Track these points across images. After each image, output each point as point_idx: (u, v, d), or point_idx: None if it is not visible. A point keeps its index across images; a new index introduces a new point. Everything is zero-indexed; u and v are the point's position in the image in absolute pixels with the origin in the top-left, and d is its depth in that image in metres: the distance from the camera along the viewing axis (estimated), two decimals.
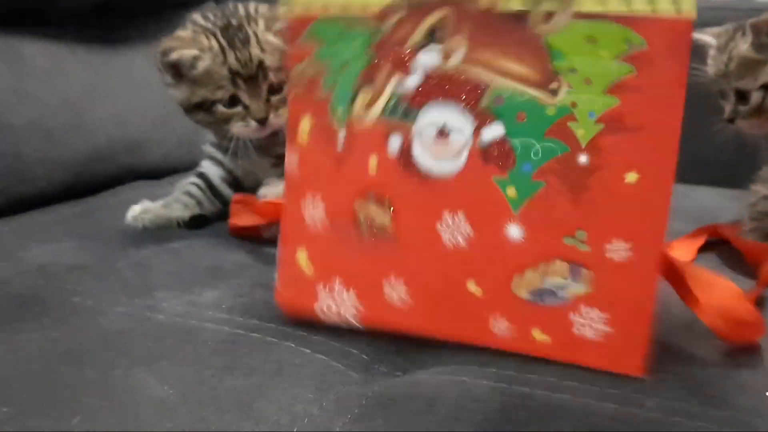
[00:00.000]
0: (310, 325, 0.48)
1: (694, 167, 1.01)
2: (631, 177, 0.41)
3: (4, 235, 0.64)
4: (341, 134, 0.46)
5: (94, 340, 0.45)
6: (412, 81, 0.44)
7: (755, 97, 0.64)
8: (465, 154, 0.43)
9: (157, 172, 0.84)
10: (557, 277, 0.42)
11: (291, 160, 0.48)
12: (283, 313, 0.49)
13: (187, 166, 0.77)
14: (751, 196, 0.65)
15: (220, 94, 0.64)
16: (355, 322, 0.47)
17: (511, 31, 0.42)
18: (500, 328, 0.44)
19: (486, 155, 0.43)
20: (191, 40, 0.64)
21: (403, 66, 0.44)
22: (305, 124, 0.47)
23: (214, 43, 0.64)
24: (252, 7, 0.68)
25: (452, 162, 0.44)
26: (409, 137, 0.44)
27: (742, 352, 0.45)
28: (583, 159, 0.41)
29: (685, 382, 0.42)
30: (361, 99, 0.45)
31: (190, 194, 0.69)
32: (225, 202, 0.70)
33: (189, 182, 0.70)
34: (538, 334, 0.43)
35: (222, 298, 0.52)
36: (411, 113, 0.44)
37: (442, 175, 0.44)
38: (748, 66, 0.64)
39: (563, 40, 0.41)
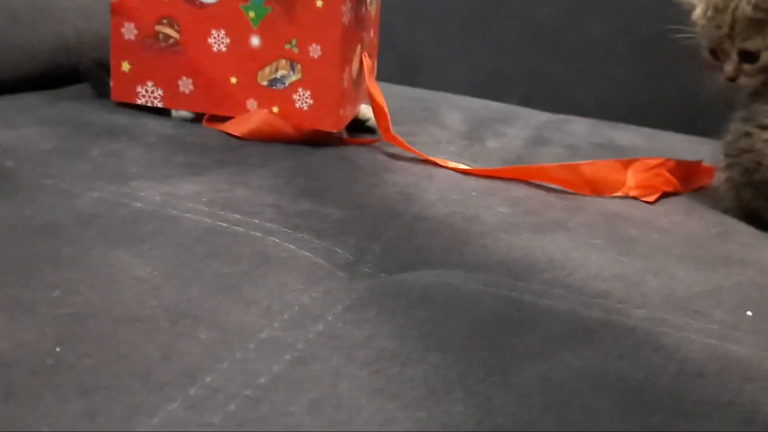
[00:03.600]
0: (294, 224, 0.48)
1: (664, 113, 1.03)
2: (320, 2, 0.64)
3: None
4: None
5: (70, 220, 0.43)
6: None
7: (765, 56, 0.63)
8: None
9: None
10: (282, 71, 0.65)
11: None
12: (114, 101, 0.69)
13: None
14: (728, 135, 0.66)
15: None
16: (159, 104, 0.68)
17: None
18: (251, 105, 0.66)
19: None
20: None
21: None
22: None
23: None
24: None
25: None
26: None
27: None
28: None
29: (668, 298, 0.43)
30: None
31: None
32: None
33: None
34: (275, 109, 0.66)
35: (201, 192, 0.50)
36: None
37: (208, 3, 0.65)
38: (755, 27, 0.63)
39: None
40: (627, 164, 0.67)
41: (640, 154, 0.82)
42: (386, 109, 0.68)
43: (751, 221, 0.61)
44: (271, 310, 0.36)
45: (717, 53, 0.67)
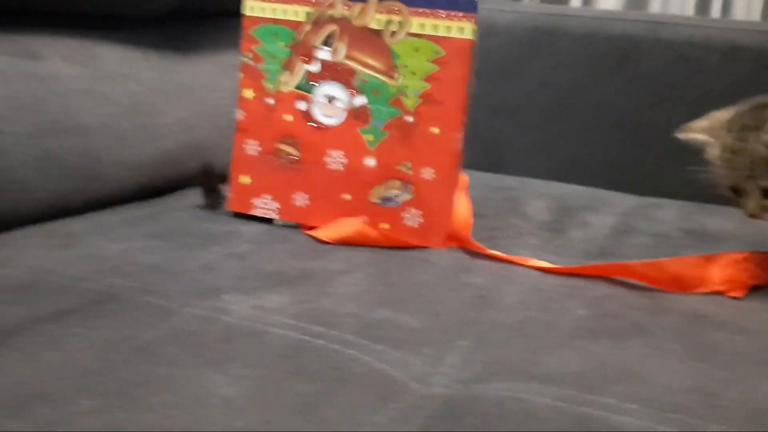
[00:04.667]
0: (372, 335, 0.50)
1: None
2: (435, 130, 0.69)
3: (80, 233, 0.66)
4: (270, 99, 0.72)
5: (166, 339, 0.47)
6: (314, 67, 0.71)
7: None
8: (343, 114, 0.71)
9: (223, 177, 0.86)
10: (394, 190, 0.70)
11: (238, 114, 0.73)
12: (231, 210, 0.74)
13: None
14: None
15: None
16: (275, 216, 0.73)
17: (372, 40, 0.69)
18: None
19: (355, 114, 0.71)
20: None
21: (309, 58, 0.71)
22: (249, 93, 0.73)
23: None
24: None
25: (336, 118, 0.71)
26: (310, 102, 0.72)
27: None
28: (409, 119, 0.70)
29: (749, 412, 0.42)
30: (284, 78, 0.72)
31: None
32: None
33: None
34: (384, 225, 0.70)
35: (288, 303, 0.54)
36: (312, 87, 0.71)
37: (329, 125, 0.71)
38: None
39: (400, 48, 0.69)
40: (711, 259, 0.67)
41: (733, 239, 0.81)
42: (468, 225, 0.72)
43: None
44: (338, 424, 0.38)
45: (738, 191, 0.67)
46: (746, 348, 0.52)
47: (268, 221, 0.73)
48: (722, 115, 0.70)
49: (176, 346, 0.46)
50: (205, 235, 0.68)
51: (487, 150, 1.18)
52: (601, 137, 1.11)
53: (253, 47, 0.72)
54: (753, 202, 0.66)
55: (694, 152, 0.70)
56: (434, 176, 0.69)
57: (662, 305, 0.60)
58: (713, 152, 0.68)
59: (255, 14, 0.72)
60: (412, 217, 0.70)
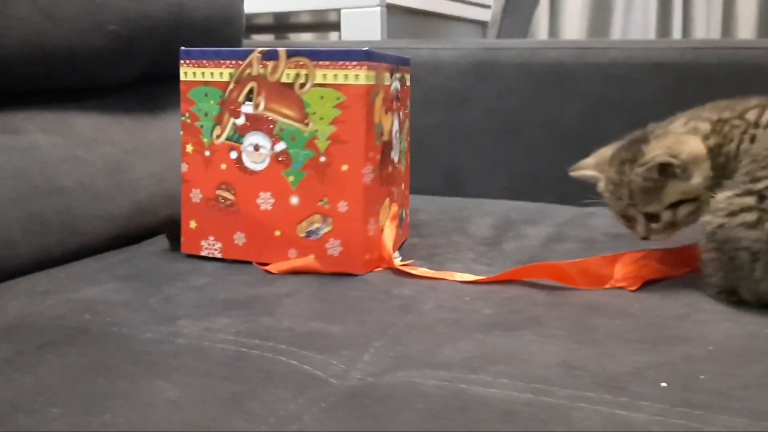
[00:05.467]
0: (301, 343, 0.59)
1: None
2: (345, 167, 0.77)
3: (60, 279, 0.76)
4: (207, 152, 0.82)
5: (125, 359, 0.56)
6: (240, 120, 0.81)
7: (666, 216, 0.73)
8: (268, 159, 0.80)
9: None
10: (316, 224, 0.78)
11: (183, 167, 0.83)
12: (185, 253, 0.84)
13: None
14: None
15: None
16: (219, 255, 0.83)
17: (285, 92, 0.78)
18: (292, 254, 0.80)
19: (278, 159, 0.79)
20: None
21: (236, 112, 0.81)
22: (189, 147, 0.83)
23: None
24: None
25: (262, 164, 0.80)
26: (240, 150, 0.81)
27: None
28: (323, 159, 0.78)
29: (597, 377, 0.51)
30: (215, 131, 0.82)
31: None
32: None
33: None
34: (313, 255, 0.79)
35: (232, 323, 0.63)
36: (240, 138, 0.81)
37: (257, 170, 0.80)
38: (649, 193, 0.73)
39: (309, 97, 0.77)
40: (616, 258, 0.76)
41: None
42: (390, 249, 0.81)
43: (730, 298, 0.68)
44: (261, 416, 0.48)
45: (627, 217, 0.76)
46: (620, 329, 0.61)
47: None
48: (606, 152, 0.79)
49: (133, 364, 0.56)
50: (170, 273, 0.78)
51: (444, 175, 1.28)
52: (546, 154, 1.21)
53: (190, 108, 0.82)
54: (641, 226, 0.75)
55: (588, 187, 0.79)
56: (348, 208, 0.77)
57: (562, 300, 0.69)
58: (600, 185, 0.78)
59: (188, 79, 0.82)
60: (333, 247, 0.78)
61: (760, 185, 0.67)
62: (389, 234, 0.81)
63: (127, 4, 0.94)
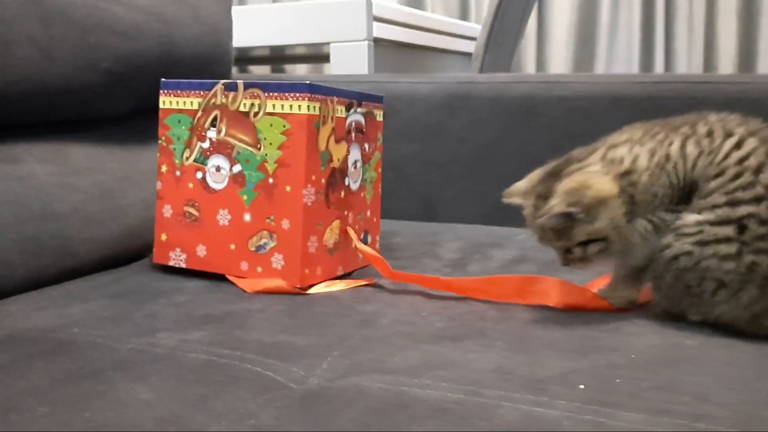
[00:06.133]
0: (266, 353, 0.65)
1: None
2: (288, 188, 0.85)
3: (53, 297, 0.83)
4: (178, 172, 0.91)
5: (107, 366, 0.63)
6: (206, 144, 0.90)
7: (577, 252, 0.73)
8: (227, 179, 0.88)
9: None
10: (264, 239, 0.86)
11: (158, 185, 0.93)
12: (156, 263, 0.94)
13: None
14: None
15: None
16: (183, 265, 0.92)
17: (242, 120, 0.87)
18: (244, 266, 0.88)
19: (235, 179, 0.88)
20: None
21: (202, 137, 0.90)
22: (164, 168, 0.92)
23: None
24: None
25: (222, 183, 0.89)
26: (205, 171, 0.90)
27: None
28: (271, 180, 0.86)
29: (525, 380, 0.58)
30: (185, 153, 0.91)
31: None
32: None
33: None
34: (260, 268, 0.87)
35: (207, 336, 0.70)
36: (205, 160, 0.90)
37: (218, 189, 0.89)
38: (555, 232, 0.73)
39: (261, 124, 0.86)
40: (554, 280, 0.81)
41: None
42: (380, 257, 0.88)
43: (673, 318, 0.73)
44: (222, 413, 0.54)
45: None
46: (555, 340, 0.67)
47: (213, 276, 0.90)
48: (535, 176, 0.79)
49: (114, 370, 0.62)
50: (155, 292, 0.84)
51: (421, 202, 1.35)
52: (516, 182, 1.27)
53: (166, 132, 0.92)
54: (558, 256, 0.76)
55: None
56: (290, 226, 0.84)
57: (510, 316, 0.75)
58: (524, 212, 0.78)
59: (166, 106, 0.92)
60: (277, 261, 0.86)
61: (740, 211, 0.66)
62: (369, 250, 0.91)
63: (120, 43, 1.02)
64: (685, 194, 0.71)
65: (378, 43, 1.92)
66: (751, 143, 0.70)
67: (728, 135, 0.71)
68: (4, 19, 0.88)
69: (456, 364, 0.62)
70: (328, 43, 1.94)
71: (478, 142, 1.30)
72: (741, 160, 0.69)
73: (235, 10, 1.92)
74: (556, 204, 0.71)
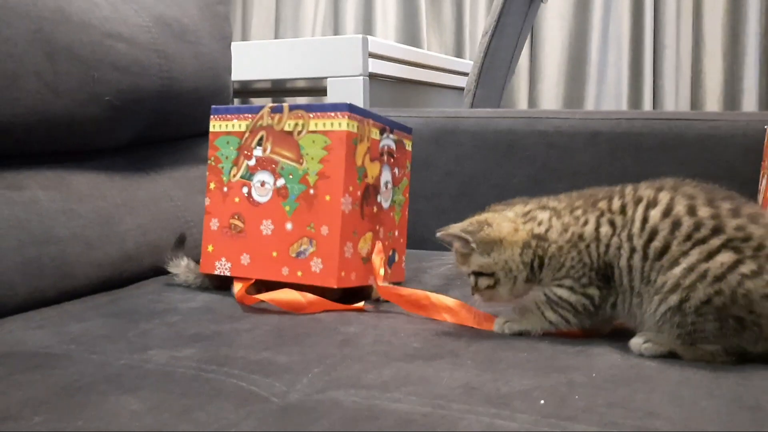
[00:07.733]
0: (252, 369, 0.70)
1: None
2: (328, 197, 0.92)
3: (52, 317, 0.87)
4: (225, 188, 0.99)
5: (100, 380, 0.67)
6: (252, 162, 0.98)
7: (471, 280, 0.82)
8: (271, 193, 0.96)
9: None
10: (304, 245, 0.93)
11: (206, 201, 1.00)
12: (205, 273, 1.00)
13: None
14: None
15: None
16: (228, 273, 0.98)
17: (287, 138, 0.95)
18: (285, 272, 0.94)
19: (278, 192, 0.95)
20: None
21: (248, 156, 0.98)
22: (212, 185, 1.00)
23: None
24: None
25: (266, 196, 0.96)
26: (250, 186, 0.97)
27: None
28: (312, 191, 0.93)
29: (489, 396, 0.62)
30: (233, 171, 0.99)
31: None
32: None
33: None
34: (300, 272, 0.93)
35: (196, 353, 0.74)
36: (251, 176, 0.97)
37: (262, 202, 0.96)
38: (461, 255, 0.82)
39: (304, 141, 0.94)
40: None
41: None
42: (397, 294, 0.93)
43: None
44: (206, 423, 0.58)
45: None
46: (523, 360, 0.71)
47: (208, 298, 0.94)
48: (478, 219, 0.83)
49: (106, 383, 0.66)
50: (149, 312, 0.89)
51: (410, 231, 1.39)
52: None
53: (215, 153, 1.00)
54: (474, 291, 0.83)
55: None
56: (328, 231, 0.92)
57: (484, 338, 0.80)
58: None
59: (215, 130, 1.00)
60: (316, 264, 0.92)
61: (715, 242, 0.69)
62: (377, 261, 0.97)
63: (122, 78, 1.07)
64: (601, 274, 0.76)
65: (373, 78, 1.99)
66: (663, 196, 0.74)
67: (638, 201, 0.75)
68: (12, 54, 0.94)
69: (427, 381, 0.66)
70: (325, 78, 2.00)
71: (463, 174, 1.35)
72: (666, 213, 0.72)
73: (239, 45, 1.99)
74: (457, 227, 0.81)
